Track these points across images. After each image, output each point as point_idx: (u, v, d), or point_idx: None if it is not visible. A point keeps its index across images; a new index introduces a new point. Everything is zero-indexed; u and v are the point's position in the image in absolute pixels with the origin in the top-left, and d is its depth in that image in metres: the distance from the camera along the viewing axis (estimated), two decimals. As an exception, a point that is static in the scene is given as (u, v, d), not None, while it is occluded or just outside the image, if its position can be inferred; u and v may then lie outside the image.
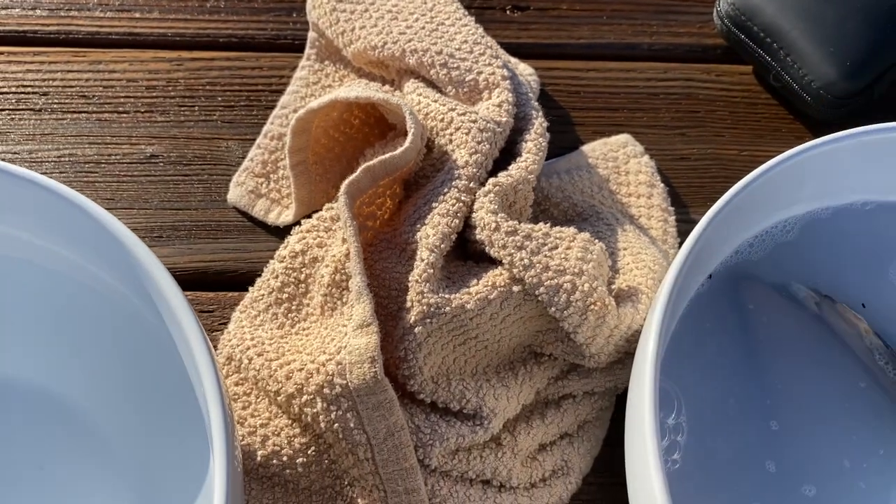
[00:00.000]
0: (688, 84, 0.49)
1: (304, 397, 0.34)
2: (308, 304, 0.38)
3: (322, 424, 0.34)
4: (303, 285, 0.39)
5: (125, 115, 0.46)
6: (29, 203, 0.32)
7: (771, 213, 0.36)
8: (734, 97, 0.49)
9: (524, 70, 0.48)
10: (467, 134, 0.38)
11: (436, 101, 0.40)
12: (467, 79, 0.41)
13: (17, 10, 0.49)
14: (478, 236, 0.36)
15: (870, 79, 0.45)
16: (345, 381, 0.34)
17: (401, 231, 0.38)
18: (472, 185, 0.37)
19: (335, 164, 0.43)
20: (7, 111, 0.46)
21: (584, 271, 0.35)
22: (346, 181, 0.37)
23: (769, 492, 0.32)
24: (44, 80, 0.47)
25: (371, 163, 0.37)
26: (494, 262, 0.37)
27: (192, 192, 0.44)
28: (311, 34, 0.48)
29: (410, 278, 0.35)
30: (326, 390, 0.34)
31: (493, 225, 0.36)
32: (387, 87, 0.44)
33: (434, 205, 0.37)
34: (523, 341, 0.38)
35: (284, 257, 0.39)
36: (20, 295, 0.36)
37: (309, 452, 0.35)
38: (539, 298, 0.35)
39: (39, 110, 0.46)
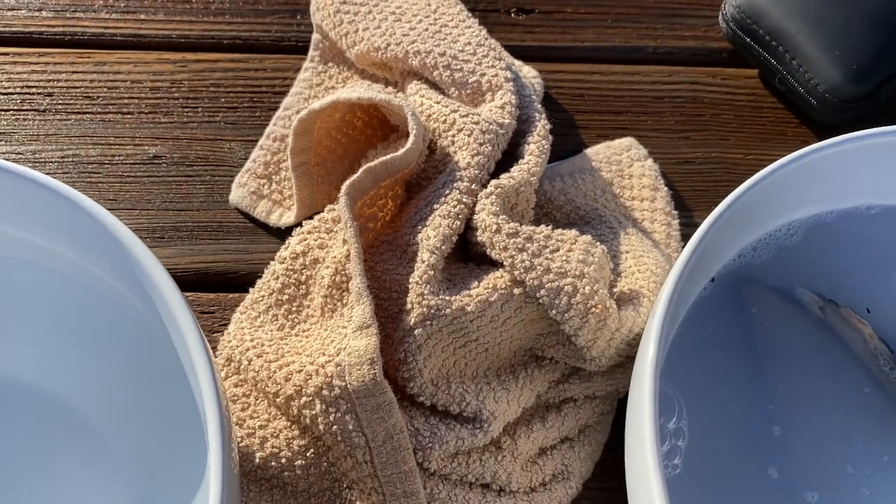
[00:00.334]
0: (693, 87, 0.49)
1: (303, 399, 0.34)
2: (308, 306, 0.38)
3: (321, 426, 0.34)
4: (303, 286, 0.39)
5: (129, 115, 0.46)
6: (30, 203, 0.32)
7: (775, 216, 0.36)
8: (739, 101, 0.49)
9: (528, 73, 0.47)
10: (469, 135, 0.38)
11: (438, 103, 0.40)
12: (470, 81, 0.41)
13: (23, 11, 0.49)
14: (479, 238, 0.36)
15: (876, 82, 0.45)
16: (344, 383, 0.33)
17: (402, 232, 0.38)
18: (473, 186, 0.37)
19: (337, 166, 0.43)
20: (12, 111, 0.46)
21: (586, 274, 0.34)
22: (347, 182, 0.37)
23: (771, 498, 0.32)
24: (49, 80, 0.47)
25: (372, 164, 0.37)
26: (496, 265, 0.37)
27: (195, 193, 0.44)
28: (315, 36, 0.48)
29: (411, 280, 0.35)
30: (325, 392, 0.34)
31: (495, 227, 0.35)
32: (390, 88, 0.44)
33: (435, 206, 0.37)
34: (524, 344, 0.38)
35: (285, 258, 0.39)
36: (21, 294, 0.36)
37: (308, 455, 0.35)
38: (540, 301, 0.35)
39: (44, 111, 0.46)
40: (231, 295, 0.42)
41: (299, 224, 0.41)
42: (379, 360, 0.33)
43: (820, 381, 0.34)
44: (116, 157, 0.45)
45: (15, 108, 0.46)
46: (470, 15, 0.44)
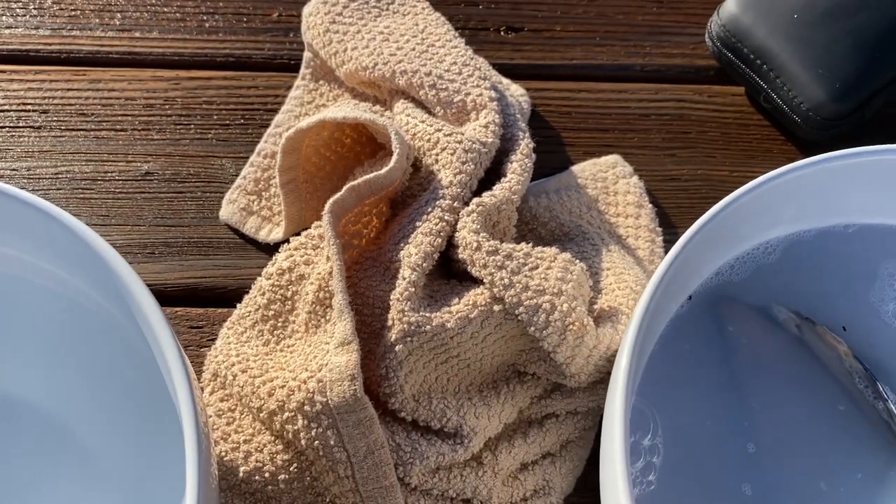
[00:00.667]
0: (680, 105, 0.50)
1: (286, 414, 0.35)
2: (294, 321, 0.39)
3: (303, 441, 0.35)
4: (289, 302, 0.39)
5: (122, 132, 0.47)
6: (17, 221, 0.32)
7: (753, 234, 0.36)
8: (726, 118, 0.49)
9: (516, 91, 0.48)
10: (452, 154, 0.39)
11: (423, 122, 0.41)
12: (455, 100, 0.42)
13: (20, 29, 0.50)
14: (460, 255, 0.37)
15: (859, 101, 0.45)
16: (325, 399, 0.34)
17: (386, 249, 0.38)
18: (455, 204, 0.38)
19: (326, 182, 0.44)
20: (7, 128, 0.47)
21: (564, 291, 0.35)
22: (331, 200, 0.37)
23: (747, 515, 0.32)
24: (44, 97, 0.48)
25: (356, 182, 0.37)
26: (477, 282, 0.37)
27: (186, 210, 0.45)
28: (307, 54, 0.48)
29: (392, 296, 0.36)
30: (307, 407, 0.34)
31: (475, 244, 0.36)
32: (377, 107, 0.45)
33: (418, 224, 0.37)
34: (506, 360, 0.38)
35: (272, 274, 0.40)
36: (10, 311, 0.37)
37: (291, 469, 0.36)
38: (519, 318, 0.35)
39: (39, 127, 0.47)
40: (220, 310, 0.42)
41: (287, 240, 0.41)
42: (359, 375, 0.34)
43: (795, 398, 0.34)
44: (109, 174, 0.46)
45: (10, 124, 0.47)
46: (457, 35, 0.45)
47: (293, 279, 0.39)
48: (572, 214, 0.43)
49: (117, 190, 0.45)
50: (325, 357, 0.35)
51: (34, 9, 0.50)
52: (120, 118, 0.47)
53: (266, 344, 0.38)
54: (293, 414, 0.34)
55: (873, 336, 0.35)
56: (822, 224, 0.37)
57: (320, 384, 0.34)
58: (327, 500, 0.36)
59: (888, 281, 0.36)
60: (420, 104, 0.43)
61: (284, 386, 0.35)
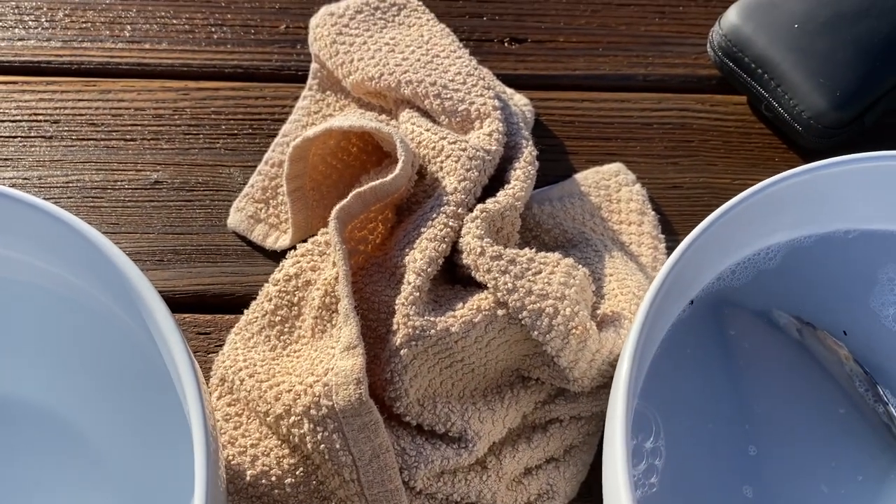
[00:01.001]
0: (682, 114, 0.50)
1: (292, 418, 0.35)
2: (300, 327, 0.39)
3: (309, 445, 0.35)
4: (295, 308, 0.40)
5: (132, 142, 0.48)
6: (30, 227, 0.33)
7: (753, 239, 0.36)
8: (728, 127, 0.50)
9: (520, 100, 0.49)
10: (457, 161, 0.39)
11: (428, 130, 0.41)
12: (459, 109, 0.42)
13: (32, 41, 0.51)
14: (464, 260, 0.37)
15: (860, 109, 0.46)
16: (331, 403, 0.34)
17: (391, 255, 0.39)
18: (460, 210, 0.38)
19: (332, 190, 0.44)
20: (19, 138, 0.48)
21: (567, 296, 0.35)
22: (337, 207, 0.38)
23: (748, 517, 0.32)
24: (55, 108, 0.49)
25: (361, 189, 0.38)
26: (481, 287, 0.37)
27: (194, 217, 0.46)
28: (314, 65, 0.49)
29: (397, 301, 0.36)
30: (313, 411, 0.35)
31: (479, 250, 0.36)
32: (383, 116, 0.45)
33: (423, 230, 0.38)
34: (510, 365, 0.38)
35: (278, 280, 0.40)
36: (22, 315, 0.37)
37: (297, 473, 0.36)
38: (522, 322, 0.35)
39: (50, 137, 0.48)
40: (227, 316, 0.43)
41: (294, 247, 0.42)
42: (365, 379, 0.34)
43: (796, 402, 0.34)
44: (119, 183, 0.46)
45: (23, 134, 0.48)
46: (461, 46, 0.46)
47: (300, 285, 0.40)
48: (576, 221, 0.44)
49: (127, 198, 0.46)
50: (330, 361, 0.35)
51: (46, 21, 0.51)
52: (130, 128, 0.48)
53: (273, 349, 0.39)
54: (299, 418, 0.35)
55: (873, 340, 0.35)
56: (822, 230, 0.37)
57: (326, 388, 0.34)
58: (333, 503, 0.36)
59: (888, 286, 0.36)
60: (425, 113, 0.43)
61: (291, 390, 0.35)
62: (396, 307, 0.36)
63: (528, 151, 0.41)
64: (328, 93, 0.49)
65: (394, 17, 0.47)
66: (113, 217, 0.45)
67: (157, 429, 0.36)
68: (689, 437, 0.33)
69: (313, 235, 0.43)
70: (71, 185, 0.46)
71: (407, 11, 0.47)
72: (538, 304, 0.35)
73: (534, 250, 0.37)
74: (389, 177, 0.38)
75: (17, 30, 0.51)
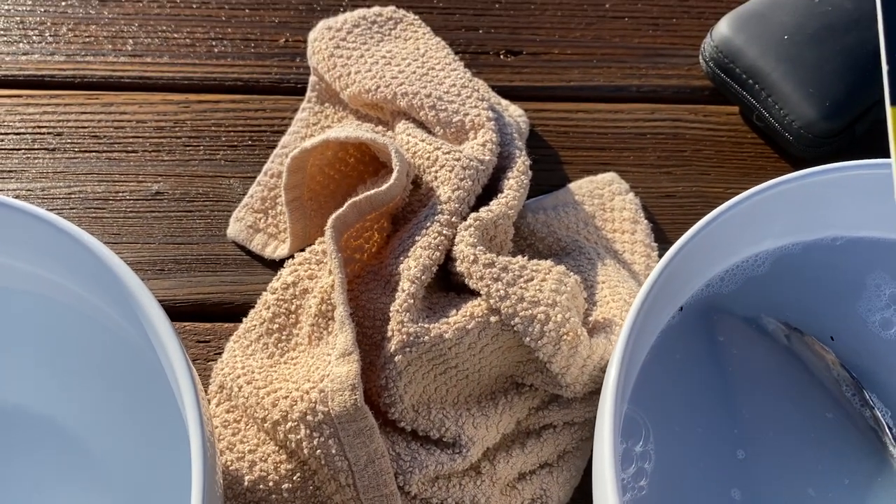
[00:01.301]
0: (675, 124, 0.51)
1: (289, 424, 0.36)
2: (297, 334, 0.40)
3: (305, 451, 0.36)
4: (293, 316, 0.40)
5: (133, 154, 0.49)
6: (33, 237, 0.34)
7: (742, 247, 0.37)
8: (720, 137, 0.51)
9: (515, 111, 0.49)
10: (451, 171, 0.40)
11: (423, 141, 0.42)
12: (454, 120, 0.43)
13: (36, 55, 0.52)
14: (458, 268, 0.38)
15: (849, 119, 0.46)
16: (327, 409, 0.35)
17: (387, 263, 0.39)
18: (453, 219, 0.39)
19: (330, 200, 0.45)
20: (23, 150, 0.48)
21: (558, 302, 0.36)
22: (333, 216, 0.38)
23: (737, 520, 0.32)
24: (59, 121, 0.49)
25: (357, 199, 0.39)
26: (475, 294, 0.38)
27: (195, 228, 0.46)
28: (312, 78, 0.50)
29: (392, 308, 0.37)
30: (309, 417, 0.35)
31: (472, 257, 0.37)
32: (379, 127, 0.46)
33: (417, 238, 0.39)
34: (504, 371, 0.39)
35: (276, 289, 0.41)
36: (23, 323, 0.38)
37: (294, 478, 0.37)
38: (514, 328, 0.36)
39: (53, 150, 0.49)
40: (226, 324, 0.44)
41: (292, 256, 0.43)
42: (360, 386, 0.35)
43: (784, 406, 0.35)
44: (121, 194, 0.47)
45: (26, 147, 0.48)
46: (456, 59, 0.47)
47: (297, 293, 0.41)
48: (569, 230, 0.45)
49: (128, 209, 0.47)
50: (326, 368, 0.36)
51: (50, 36, 0.52)
52: (131, 140, 0.49)
53: (271, 356, 0.39)
54: (296, 424, 0.36)
55: (860, 346, 0.36)
56: (810, 237, 0.38)
57: (322, 394, 0.35)
58: (330, 508, 0.37)
59: (875, 292, 0.36)
60: (421, 124, 0.44)
61: (288, 396, 0.36)
62: (391, 314, 0.37)
63: (522, 161, 0.42)
64: (326, 105, 0.50)
65: (390, 31, 0.48)
66: (115, 227, 0.46)
67: (155, 435, 0.37)
68: (678, 441, 0.34)
69: (311, 244, 0.43)
70: (73, 196, 0.47)
71: (403, 25, 0.48)
72: (530, 311, 0.36)
73: (526, 258, 0.38)
74: (384, 186, 0.39)
75: (21, 44, 0.52)
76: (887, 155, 0.27)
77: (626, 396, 0.33)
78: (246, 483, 0.37)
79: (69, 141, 0.49)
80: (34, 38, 0.52)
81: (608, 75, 0.53)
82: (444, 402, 0.38)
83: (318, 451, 0.35)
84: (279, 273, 0.42)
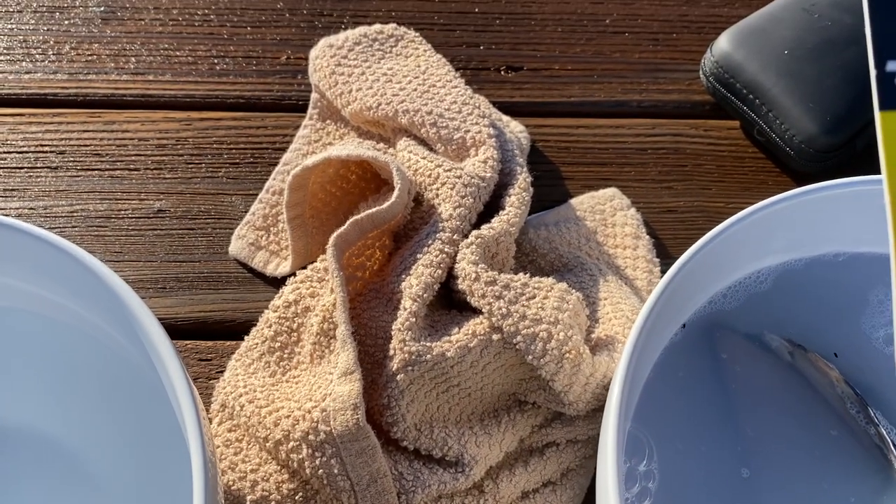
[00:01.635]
0: (676, 139, 0.51)
1: (291, 443, 0.36)
2: (299, 353, 0.40)
3: (308, 470, 0.36)
4: (295, 334, 0.40)
5: (136, 172, 0.49)
6: (33, 257, 0.34)
7: (744, 263, 0.37)
8: (722, 151, 0.51)
9: (515, 127, 0.49)
10: (452, 189, 0.40)
11: (424, 158, 0.42)
12: (455, 137, 0.43)
13: (39, 74, 0.52)
14: (459, 286, 0.38)
15: (850, 133, 0.46)
16: (329, 428, 0.35)
17: (388, 281, 0.39)
18: (455, 237, 0.39)
19: (331, 218, 0.45)
20: (26, 168, 0.49)
21: (560, 320, 0.36)
22: (335, 234, 0.38)
23: (741, 539, 0.32)
24: (61, 139, 0.50)
25: (358, 217, 0.39)
26: (477, 312, 0.38)
27: (197, 245, 0.47)
28: (314, 95, 0.50)
29: (394, 326, 0.37)
30: (311, 437, 0.35)
31: (474, 275, 0.37)
32: (381, 145, 0.46)
33: (419, 256, 0.39)
34: (507, 389, 0.39)
35: (278, 307, 0.41)
36: (24, 343, 0.38)
37: (296, 498, 0.36)
38: (517, 347, 0.36)
39: (56, 168, 0.49)
40: (228, 342, 0.43)
41: (293, 274, 0.43)
42: (362, 405, 0.35)
43: (788, 424, 0.35)
44: (123, 212, 0.47)
45: (29, 165, 0.49)
46: (457, 76, 0.47)
47: (299, 311, 0.41)
48: (571, 246, 0.45)
49: (130, 227, 0.47)
50: (328, 387, 0.36)
51: (53, 55, 0.53)
52: (133, 158, 0.49)
53: (273, 375, 0.39)
54: (298, 443, 0.35)
55: (864, 362, 0.35)
56: (812, 253, 0.37)
57: (324, 414, 0.35)
58: (332, 528, 0.36)
59: (878, 308, 0.36)
60: (422, 141, 0.44)
61: (290, 416, 0.36)
62: (393, 332, 0.37)
63: (523, 178, 0.42)
64: (328, 122, 0.50)
65: (391, 49, 0.48)
66: (117, 246, 0.46)
67: (156, 454, 0.36)
68: (682, 460, 0.33)
69: (313, 262, 0.43)
70: (76, 214, 0.47)
71: (404, 42, 0.48)
72: (532, 329, 0.36)
73: (528, 275, 0.38)
74: (386, 204, 0.39)
75: (24, 63, 0.52)
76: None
77: (630, 415, 0.33)
78: (248, 503, 0.37)
79: (71, 159, 0.49)
80: (37, 56, 0.53)
81: (609, 90, 0.53)
82: (447, 420, 0.37)
83: (321, 470, 0.35)
84: (281, 291, 0.42)
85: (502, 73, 0.53)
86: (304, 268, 0.43)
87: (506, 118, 0.50)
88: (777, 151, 0.49)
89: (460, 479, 0.36)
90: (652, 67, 0.54)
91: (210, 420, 0.40)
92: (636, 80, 0.53)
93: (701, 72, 0.51)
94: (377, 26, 0.49)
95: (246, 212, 0.47)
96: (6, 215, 0.46)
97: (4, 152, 0.49)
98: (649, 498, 0.32)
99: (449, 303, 0.40)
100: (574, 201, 0.47)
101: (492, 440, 0.37)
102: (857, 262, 0.37)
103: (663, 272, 0.45)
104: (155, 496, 0.36)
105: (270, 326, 0.40)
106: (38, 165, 0.49)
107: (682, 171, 0.50)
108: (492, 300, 0.36)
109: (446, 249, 0.38)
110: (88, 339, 0.37)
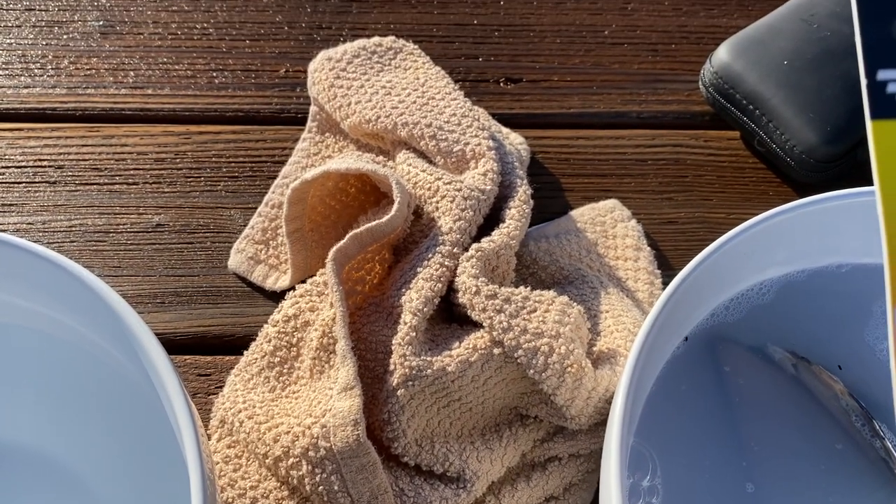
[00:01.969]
0: (676, 150, 0.51)
1: (291, 460, 0.35)
2: (299, 368, 0.39)
3: (308, 487, 0.35)
4: (294, 349, 0.40)
5: (134, 186, 0.49)
6: (30, 273, 0.33)
7: (747, 275, 0.37)
8: (722, 162, 0.51)
9: (515, 139, 0.49)
10: (452, 202, 0.40)
11: (424, 171, 0.42)
12: (455, 149, 0.43)
13: (38, 88, 0.52)
14: (460, 300, 0.37)
15: (851, 143, 0.46)
16: (329, 444, 0.34)
17: (388, 295, 0.39)
18: (455, 250, 0.39)
19: (331, 231, 0.45)
20: (24, 183, 0.48)
21: (562, 334, 0.36)
22: (334, 248, 0.38)
23: (747, 555, 0.32)
24: (59, 153, 0.49)
25: (358, 230, 0.39)
26: (478, 326, 0.38)
27: (195, 259, 0.46)
28: (313, 108, 0.50)
29: (394, 341, 0.36)
30: (311, 453, 0.35)
31: (474, 289, 0.37)
32: (380, 157, 0.46)
33: (419, 269, 0.38)
34: (508, 403, 0.38)
35: (277, 321, 0.41)
36: (21, 360, 0.38)
37: (297, 514, 0.36)
38: (518, 361, 0.36)
39: (54, 182, 0.48)
40: (227, 357, 0.43)
41: (293, 288, 0.43)
42: (362, 420, 0.34)
43: (793, 437, 0.34)
44: (121, 226, 0.47)
45: (27, 180, 0.48)
46: (456, 88, 0.47)
47: (298, 326, 0.40)
48: (572, 258, 0.44)
49: (129, 242, 0.47)
50: (328, 402, 0.36)
51: (51, 69, 0.53)
52: (132, 172, 0.49)
53: (272, 390, 0.39)
54: (297, 460, 0.35)
55: (869, 374, 0.35)
56: (815, 264, 0.37)
57: (324, 430, 0.35)
58: (332, 545, 0.36)
59: (881, 319, 0.36)
60: (421, 154, 0.44)
61: (289, 432, 0.36)
62: (393, 347, 0.36)
63: (523, 190, 0.42)
64: (327, 135, 0.50)
65: (390, 61, 0.48)
66: (115, 260, 0.46)
67: (155, 471, 0.36)
68: (686, 475, 0.33)
69: (312, 276, 0.43)
70: (74, 229, 0.47)
71: (403, 55, 0.48)
72: (533, 343, 0.35)
73: (529, 289, 0.38)
74: (385, 218, 0.39)
75: (22, 77, 0.52)
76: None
77: (633, 429, 0.33)
78: (247, 520, 0.36)
79: (70, 174, 0.49)
80: (36, 71, 0.52)
81: (608, 102, 0.53)
82: (448, 435, 0.37)
83: (321, 487, 0.35)
84: (280, 305, 0.42)
85: (501, 84, 0.53)
86: (304, 282, 0.43)
87: (505, 130, 0.50)
88: (777, 162, 0.48)
89: (462, 494, 0.36)
90: (651, 78, 0.54)
91: (209, 436, 0.39)
92: (635, 91, 0.53)
93: (700, 82, 0.51)
94: (376, 39, 0.49)
95: (245, 225, 0.47)
96: (4, 231, 0.47)
97: (2, 167, 0.49)
98: (653, 514, 0.32)
99: (449, 316, 0.40)
100: (574, 213, 0.47)
101: (493, 455, 0.37)
102: (860, 272, 0.37)
103: (665, 284, 0.45)
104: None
105: (270, 341, 0.40)
106: (37, 180, 0.49)
107: (682, 182, 0.50)
108: (493, 314, 0.36)
109: (446, 263, 0.38)
110: (86, 355, 0.37)
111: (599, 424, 0.38)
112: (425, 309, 0.37)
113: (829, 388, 0.34)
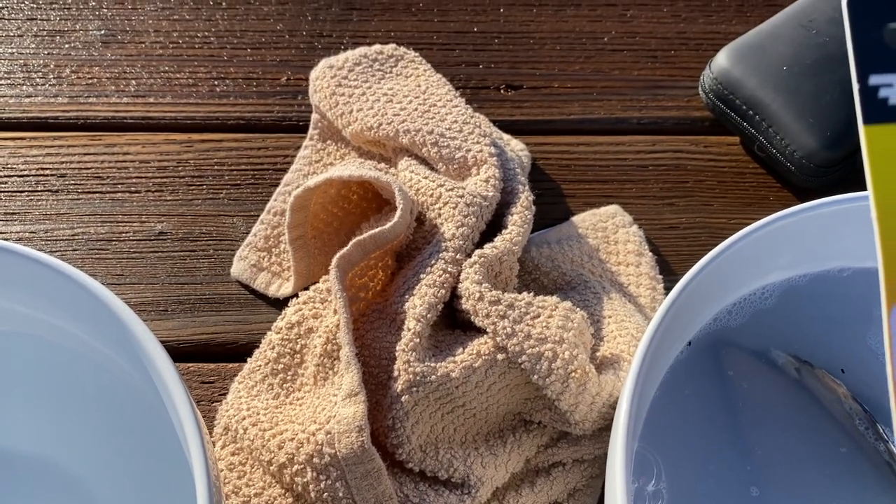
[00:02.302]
0: (676, 155, 0.51)
1: (295, 467, 0.35)
2: (303, 374, 0.40)
3: (312, 494, 0.35)
4: (298, 356, 0.40)
5: (137, 194, 0.49)
6: (34, 281, 0.33)
7: (749, 279, 0.37)
8: (722, 167, 0.51)
9: (516, 146, 0.49)
10: (454, 208, 0.40)
11: (426, 178, 0.42)
12: (457, 156, 0.43)
13: (39, 97, 0.52)
14: (463, 306, 0.38)
15: (850, 147, 0.46)
16: (333, 451, 0.34)
17: (391, 301, 0.39)
18: (458, 256, 0.39)
19: (333, 238, 0.45)
20: (27, 192, 0.48)
21: (565, 339, 0.36)
22: (337, 255, 0.38)
23: (752, 559, 0.32)
24: (62, 162, 0.50)
25: (361, 237, 0.39)
26: (481, 332, 0.38)
27: (198, 267, 0.46)
28: (314, 116, 0.50)
29: (398, 347, 0.36)
30: (316, 460, 0.35)
31: (478, 295, 0.37)
32: (382, 164, 0.46)
33: (422, 276, 0.38)
34: (512, 409, 0.39)
35: (281, 328, 0.41)
36: (25, 367, 0.38)
37: (301, 521, 0.36)
38: (522, 366, 0.36)
39: (57, 191, 0.49)
40: (231, 364, 0.43)
41: (296, 295, 0.43)
42: (367, 427, 0.35)
43: (797, 441, 0.34)
44: (124, 234, 0.47)
45: (30, 189, 0.49)
46: (457, 95, 0.47)
47: (302, 332, 0.40)
48: (574, 264, 0.44)
49: (132, 250, 0.47)
50: (333, 409, 0.36)
51: (53, 78, 0.53)
52: (135, 180, 0.49)
53: (276, 397, 0.39)
54: (302, 466, 0.35)
55: (871, 378, 0.35)
56: (817, 269, 0.37)
57: (328, 436, 0.35)
58: (337, 552, 0.36)
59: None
60: (423, 161, 0.44)
61: (294, 438, 0.36)
62: (397, 353, 0.36)
63: (525, 196, 0.42)
64: (329, 142, 0.50)
65: (391, 69, 0.48)
66: (118, 268, 0.46)
67: (160, 479, 0.36)
68: (690, 480, 0.33)
69: (315, 283, 0.43)
70: (77, 237, 0.47)
71: (404, 62, 0.48)
72: (537, 349, 0.35)
73: (532, 294, 0.38)
74: (388, 224, 0.39)
75: (25, 87, 0.52)
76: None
77: (637, 434, 0.33)
78: (252, 527, 0.36)
79: (72, 182, 0.49)
80: (38, 80, 0.53)
81: (608, 108, 0.53)
82: (452, 441, 0.37)
83: (326, 493, 0.35)
84: (284, 312, 0.42)
85: (502, 91, 0.54)
86: (307, 289, 0.43)
87: (506, 136, 0.50)
88: (778, 167, 0.49)
89: (466, 500, 0.36)
90: (651, 84, 0.54)
91: (213, 444, 0.39)
92: (635, 98, 0.53)
93: (700, 88, 0.51)
94: (377, 46, 0.49)
95: (247, 233, 0.47)
96: (7, 239, 0.47)
97: (5, 176, 0.49)
98: (658, 518, 0.32)
99: (453, 323, 0.40)
100: (576, 219, 0.47)
101: (498, 461, 0.37)
102: (862, 276, 0.37)
103: (667, 289, 0.45)
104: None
105: (273, 348, 0.40)
106: (39, 189, 0.49)
107: (683, 187, 0.50)
108: (496, 320, 0.36)
109: (450, 269, 0.38)
110: (90, 362, 0.37)
111: (603, 429, 0.38)
112: (429, 315, 0.37)
113: (832, 391, 0.35)
